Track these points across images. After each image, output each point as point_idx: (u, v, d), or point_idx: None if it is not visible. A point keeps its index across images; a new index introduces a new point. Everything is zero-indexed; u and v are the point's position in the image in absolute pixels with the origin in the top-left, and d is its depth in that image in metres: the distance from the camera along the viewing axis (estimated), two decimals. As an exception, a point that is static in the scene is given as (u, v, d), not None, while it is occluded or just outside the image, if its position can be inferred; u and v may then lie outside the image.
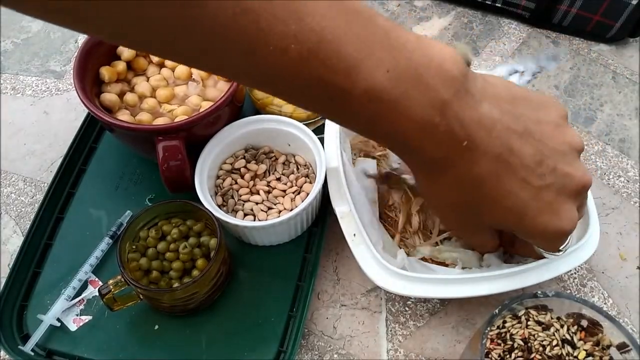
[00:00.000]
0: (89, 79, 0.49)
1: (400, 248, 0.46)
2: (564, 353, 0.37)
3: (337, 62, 0.24)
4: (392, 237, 0.48)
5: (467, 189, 0.31)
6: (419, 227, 0.48)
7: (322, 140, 0.48)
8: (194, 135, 0.46)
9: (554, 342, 0.37)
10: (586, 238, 0.43)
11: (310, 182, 0.49)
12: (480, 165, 0.29)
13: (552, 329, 0.38)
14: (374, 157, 0.53)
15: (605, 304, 0.48)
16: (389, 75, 0.26)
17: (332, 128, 0.49)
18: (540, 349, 0.37)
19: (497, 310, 0.37)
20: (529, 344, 0.38)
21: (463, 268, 0.45)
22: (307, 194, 0.47)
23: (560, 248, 0.36)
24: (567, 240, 0.36)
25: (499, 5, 0.67)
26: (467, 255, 0.45)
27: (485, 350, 0.37)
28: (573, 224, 0.33)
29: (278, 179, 0.49)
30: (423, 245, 0.47)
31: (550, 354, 0.37)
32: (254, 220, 0.47)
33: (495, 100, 0.30)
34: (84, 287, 0.48)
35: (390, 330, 0.47)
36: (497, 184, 0.30)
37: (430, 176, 0.31)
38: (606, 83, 0.63)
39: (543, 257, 0.40)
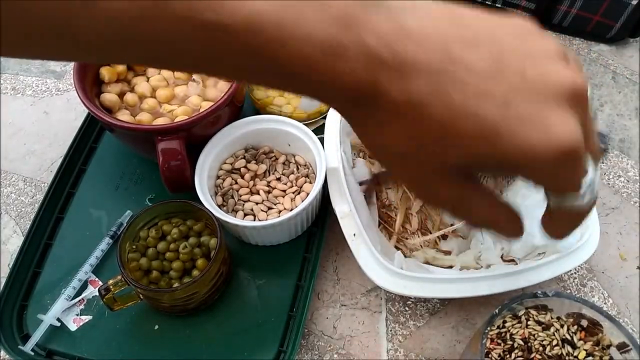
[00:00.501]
0: (89, 79, 0.49)
1: (398, 250, 0.46)
2: (564, 353, 0.37)
3: None
4: (390, 236, 0.48)
5: (412, 119, 0.23)
6: (419, 227, 0.48)
7: (322, 140, 0.48)
8: (194, 135, 0.46)
9: (554, 342, 0.37)
10: (586, 238, 0.43)
11: (310, 182, 0.49)
12: (418, 83, 0.22)
13: (552, 329, 0.38)
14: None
15: (605, 303, 0.48)
16: None
17: (332, 128, 0.49)
18: (540, 348, 0.37)
19: (497, 310, 0.37)
20: (529, 344, 0.38)
21: (461, 269, 0.45)
22: (307, 194, 0.47)
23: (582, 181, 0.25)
24: (586, 172, 0.25)
25: (499, 5, 0.67)
26: (464, 257, 0.45)
27: (485, 350, 0.37)
28: (571, 133, 0.23)
29: (278, 179, 0.49)
30: (421, 248, 0.47)
31: (550, 353, 0.37)
32: (254, 220, 0.47)
33: (427, 14, 0.24)
34: (84, 287, 0.48)
35: (391, 330, 0.47)
36: (445, 104, 0.23)
37: (364, 117, 0.25)
38: (606, 83, 0.63)
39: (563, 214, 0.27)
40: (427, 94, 0.23)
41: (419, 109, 0.23)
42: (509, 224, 0.28)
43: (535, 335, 0.38)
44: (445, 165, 0.25)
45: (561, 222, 0.28)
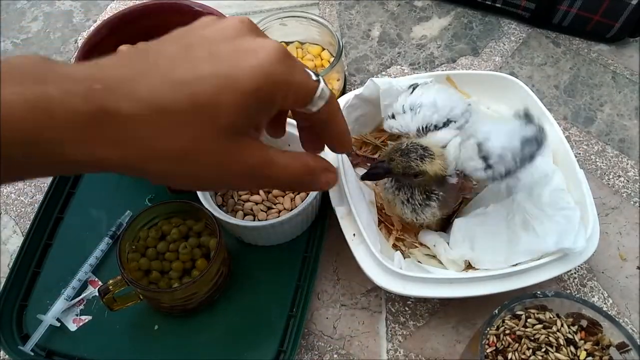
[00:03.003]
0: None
1: (397, 250, 0.46)
2: (567, 352, 0.37)
3: None
4: (390, 236, 0.48)
5: (157, 113, 0.25)
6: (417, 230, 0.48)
7: (322, 140, 0.48)
8: (194, 135, 0.46)
9: (560, 341, 0.37)
10: (585, 238, 0.43)
11: (310, 182, 0.49)
12: (136, 89, 0.25)
13: (554, 327, 0.38)
14: (374, 145, 0.53)
15: (605, 303, 0.48)
16: None
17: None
18: (543, 348, 0.37)
19: (496, 311, 0.37)
20: (530, 344, 0.38)
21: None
22: (307, 194, 0.47)
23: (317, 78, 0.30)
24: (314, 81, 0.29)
25: (499, 5, 0.67)
26: (452, 264, 0.45)
27: (485, 350, 0.37)
28: (269, 42, 0.28)
29: (278, 179, 0.49)
30: (419, 247, 0.47)
31: (553, 353, 0.37)
32: (254, 220, 0.47)
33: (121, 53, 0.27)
34: (83, 287, 0.48)
35: (390, 330, 0.47)
36: (174, 83, 0.25)
37: (113, 136, 0.25)
38: (606, 83, 0.63)
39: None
40: (151, 91, 0.25)
41: (155, 103, 0.25)
42: (325, 173, 0.32)
43: (537, 334, 0.38)
44: (222, 129, 0.27)
45: (315, 136, 0.34)
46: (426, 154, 0.41)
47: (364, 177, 0.43)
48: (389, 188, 0.45)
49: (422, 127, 0.44)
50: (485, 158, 0.39)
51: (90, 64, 0.25)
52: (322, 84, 0.30)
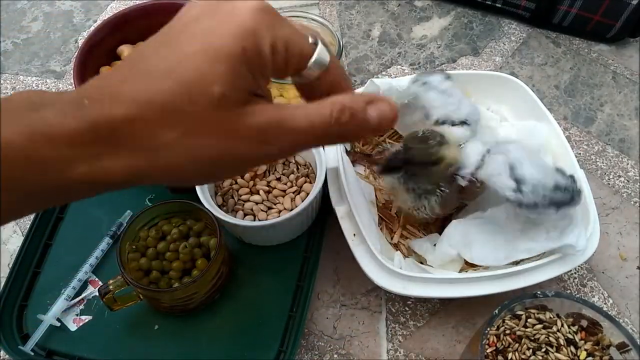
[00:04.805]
0: (89, 79, 0.49)
1: (397, 250, 0.46)
2: (567, 352, 0.37)
3: None
4: (392, 235, 0.48)
5: (158, 106, 0.24)
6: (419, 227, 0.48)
7: (322, 140, 0.48)
8: (194, 135, 0.46)
9: (560, 341, 0.37)
10: (586, 238, 0.43)
11: (310, 182, 0.49)
12: (130, 89, 0.24)
13: (554, 327, 0.38)
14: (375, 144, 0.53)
15: (605, 303, 0.48)
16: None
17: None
18: (544, 348, 0.37)
19: (497, 311, 0.37)
20: (530, 344, 0.38)
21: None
22: (307, 194, 0.47)
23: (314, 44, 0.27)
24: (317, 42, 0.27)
25: (499, 5, 0.67)
26: (450, 264, 0.45)
27: (485, 350, 0.37)
28: (248, 4, 0.25)
29: (278, 179, 0.49)
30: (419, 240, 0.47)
31: (553, 353, 0.37)
32: (254, 220, 0.47)
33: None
34: (84, 287, 0.48)
35: (390, 330, 0.47)
36: (168, 67, 0.24)
37: (122, 148, 0.25)
38: (606, 83, 0.63)
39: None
40: (137, 90, 0.24)
41: (142, 99, 0.24)
42: (374, 105, 0.27)
43: (537, 334, 0.38)
44: (219, 100, 0.25)
45: (313, 92, 0.29)
46: (443, 141, 0.41)
47: (381, 172, 0.42)
48: (397, 176, 0.44)
49: (440, 119, 0.44)
50: (518, 181, 0.39)
51: (82, 85, 0.26)
52: (319, 47, 0.27)
